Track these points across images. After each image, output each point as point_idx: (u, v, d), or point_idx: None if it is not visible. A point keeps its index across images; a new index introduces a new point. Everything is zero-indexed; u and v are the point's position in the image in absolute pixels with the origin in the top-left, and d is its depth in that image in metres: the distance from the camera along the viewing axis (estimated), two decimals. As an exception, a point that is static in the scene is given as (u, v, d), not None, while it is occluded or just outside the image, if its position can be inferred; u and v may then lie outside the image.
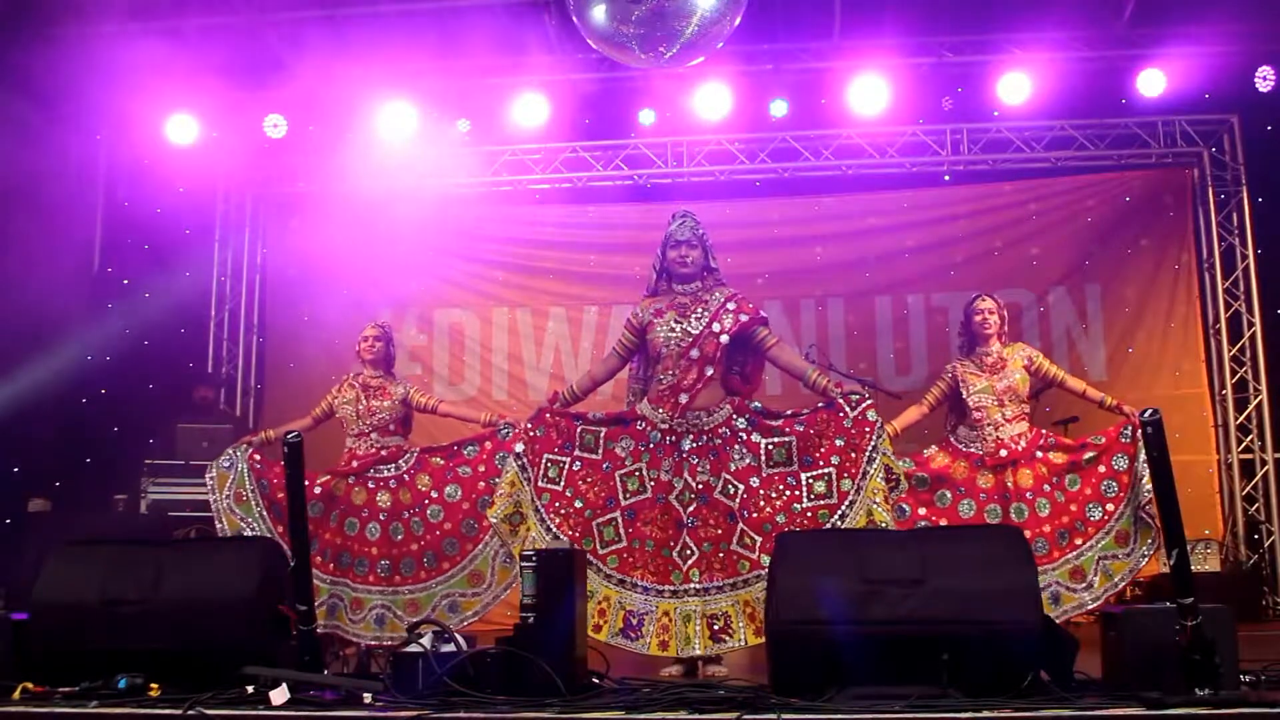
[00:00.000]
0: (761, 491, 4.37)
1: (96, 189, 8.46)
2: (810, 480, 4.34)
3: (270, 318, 9.44)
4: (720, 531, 4.37)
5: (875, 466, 4.23)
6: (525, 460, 4.52)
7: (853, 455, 4.28)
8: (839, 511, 4.26)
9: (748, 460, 4.41)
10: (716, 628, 4.30)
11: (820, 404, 4.45)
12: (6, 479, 7.22)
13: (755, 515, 4.35)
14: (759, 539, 4.31)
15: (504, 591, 5.10)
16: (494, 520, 4.53)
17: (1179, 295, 8.62)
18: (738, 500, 4.38)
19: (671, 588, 4.37)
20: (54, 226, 7.67)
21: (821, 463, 4.33)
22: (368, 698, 3.03)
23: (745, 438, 4.43)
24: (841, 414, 4.35)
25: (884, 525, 4.14)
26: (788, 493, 4.34)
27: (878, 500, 4.20)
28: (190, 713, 2.85)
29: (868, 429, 4.30)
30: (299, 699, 3.02)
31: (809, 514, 4.29)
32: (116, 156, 8.53)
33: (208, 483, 5.27)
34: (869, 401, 4.39)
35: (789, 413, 4.48)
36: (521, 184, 9.11)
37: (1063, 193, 8.85)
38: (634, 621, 4.36)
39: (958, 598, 3.02)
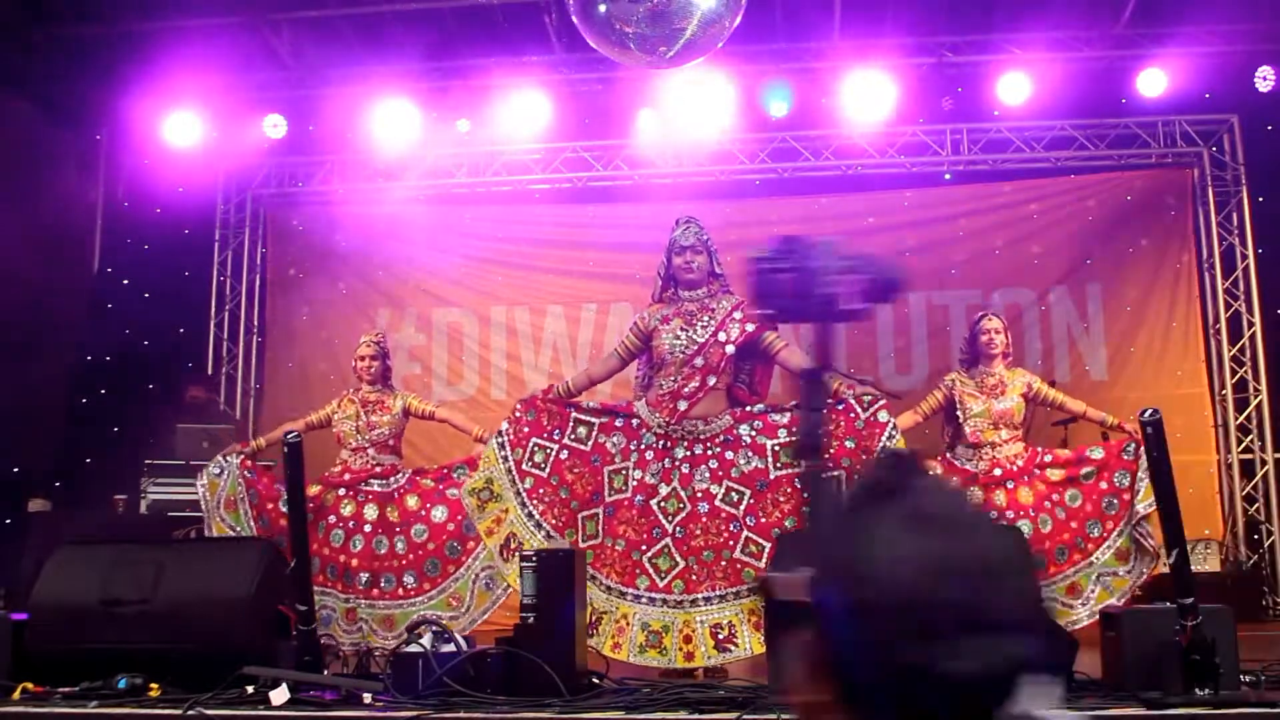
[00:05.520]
0: (769, 496, 4.29)
1: (96, 189, 8.46)
2: None
3: (270, 318, 9.43)
4: (722, 539, 4.29)
5: None
6: (507, 439, 4.47)
7: (863, 457, 4.20)
8: None
9: (754, 464, 4.33)
10: (721, 637, 4.24)
11: (831, 402, 4.37)
12: (6, 479, 7.21)
13: (764, 521, 4.28)
14: (767, 545, 4.20)
15: (482, 616, 5.08)
16: (462, 493, 4.50)
17: (1179, 295, 8.60)
18: (742, 507, 4.31)
19: (634, 591, 4.29)
20: (54, 227, 7.67)
21: (831, 464, 4.22)
22: (368, 698, 3.03)
23: (750, 442, 4.36)
24: (853, 414, 4.27)
25: None
26: (796, 496, 4.25)
27: None
28: (190, 713, 2.85)
29: (878, 431, 4.22)
30: (299, 699, 3.03)
31: None
32: (116, 156, 8.54)
33: (199, 490, 5.27)
34: (882, 402, 4.29)
35: (794, 404, 4.41)
36: (521, 184, 9.10)
37: (1063, 193, 8.83)
38: (594, 619, 4.26)
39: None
